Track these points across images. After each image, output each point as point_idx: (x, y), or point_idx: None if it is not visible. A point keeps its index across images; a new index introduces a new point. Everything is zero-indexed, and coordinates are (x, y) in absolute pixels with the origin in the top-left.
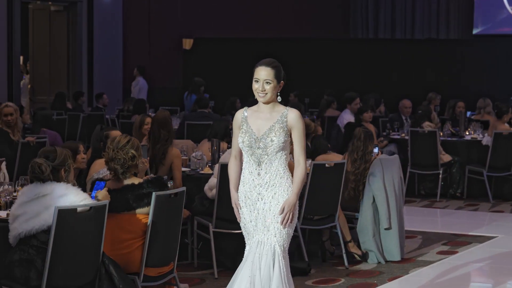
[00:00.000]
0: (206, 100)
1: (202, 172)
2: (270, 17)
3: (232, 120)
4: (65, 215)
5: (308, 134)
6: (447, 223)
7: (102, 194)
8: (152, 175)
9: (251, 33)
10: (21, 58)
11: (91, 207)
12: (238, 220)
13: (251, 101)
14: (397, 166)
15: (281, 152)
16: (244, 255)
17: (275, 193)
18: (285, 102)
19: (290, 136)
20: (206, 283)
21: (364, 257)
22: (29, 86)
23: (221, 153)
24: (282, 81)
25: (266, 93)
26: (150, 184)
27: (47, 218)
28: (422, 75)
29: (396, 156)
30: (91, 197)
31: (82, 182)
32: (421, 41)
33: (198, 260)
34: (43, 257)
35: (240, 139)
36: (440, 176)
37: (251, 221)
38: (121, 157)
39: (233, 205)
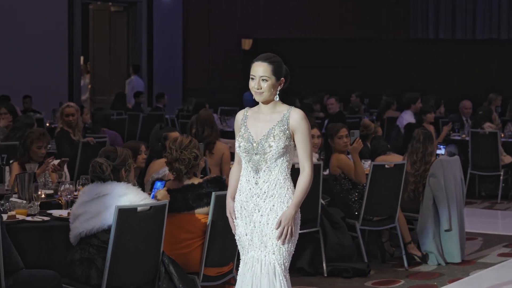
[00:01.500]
0: None
1: None
2: (329, 18)
3: None
4: (125, 214)
5: (368, 135)
6: (508, 225)
7: (162, 194)
8: (211, 175)
9: (310, 33)
10: (82, 58)
11: (151, 207)
12: (233, 232)
13: (308, 103)
14: (458, 168)
15: (282, 158)
16: (239, 272)
17: (273, 205)
18: (345, 103)
19: (294, 140)
20: None
21: (424, 258)
22: (89, 86)
23: None
24: (282, 78)
25: (263, 92)
26: (210, 183)
27: (108, 217)
28: (482, 76)
29: (456, 157)
30: (150, 197)
31: (141, 181)
32: (482, 41)
33: None
34: (104, 256)
35: (237, 143)
36: (501, 177)
37: (246, 235)
38: (185, 157)
39: (228, 215)
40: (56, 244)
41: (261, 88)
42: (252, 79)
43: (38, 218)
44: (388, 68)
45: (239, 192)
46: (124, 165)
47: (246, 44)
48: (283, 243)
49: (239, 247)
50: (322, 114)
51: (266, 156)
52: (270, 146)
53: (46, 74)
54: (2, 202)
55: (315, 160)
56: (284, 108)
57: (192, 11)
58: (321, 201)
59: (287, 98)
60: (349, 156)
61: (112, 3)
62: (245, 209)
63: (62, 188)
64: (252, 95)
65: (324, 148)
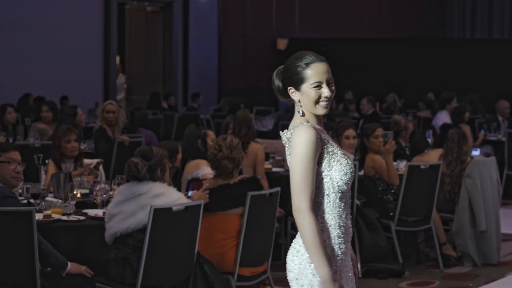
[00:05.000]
0: None
1: None
2: (365, 18)
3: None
4: (161, 214)
5: (399, 131)
6: None
7: (198, 195)
8: (246, 175)
9: (345, 34)
10: (118, 58)
11: (186, 207)
12: None
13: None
14: (494, 168)
15: None
16: None
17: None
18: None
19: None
20: None
21: (460, 259)
22: (124, 85)
23: None
24: None
25: (330, 101)
26: (245, 184)
27: (143, 217)
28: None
29: (492, 157)
30: (187, 196)
31: (177, 181)
32: None
33: None
34: (139, 256)
35: (341, 172)
36: None
37: None
38: (236, 156)
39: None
40: (91, 243)
41: (330, 96)
42: (318, 86)
43: (73, 218)
44: (424, 68)
45: (342, 239)
46: (160, 165)
47: (281, 44)
48: None
49: None
50: (357, 114)
51: None
52: None
53: (82, 74)
54: (38, 201)
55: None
56: None
57: (227, 11)
58: (356, 201)
59: None
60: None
61: (148, 3)
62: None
63: (97, 188)
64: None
65: (360, 148)
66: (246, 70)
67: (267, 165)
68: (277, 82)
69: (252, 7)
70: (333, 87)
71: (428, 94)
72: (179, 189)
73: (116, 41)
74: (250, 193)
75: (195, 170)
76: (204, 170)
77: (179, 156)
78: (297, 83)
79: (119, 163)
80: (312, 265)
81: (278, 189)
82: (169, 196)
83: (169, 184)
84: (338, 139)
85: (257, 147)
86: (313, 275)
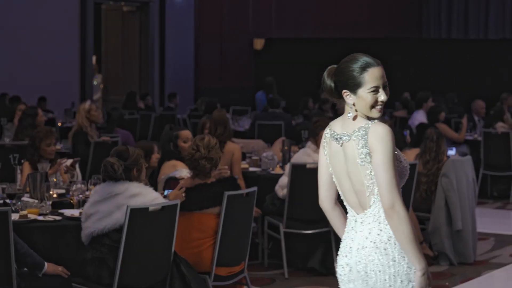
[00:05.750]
0: (278, 100)
1: (273, 172)
2: (341, 17)
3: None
4: (137, 214)
5: None
6: None
7: (174, 194)
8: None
9: (322, 34)
10: (94, 57)
11: (163, 206)
12: None
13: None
14: (470, 168)
15: None
16: None
17: None
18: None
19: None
20: (276, 283)
21: (436, 258)
22: (101, 85)
23: (292, 153)
24: None
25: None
26: (222, 183)
27: (119, 217)
28: (496, 76)
29: (468, 157)
30: (163, 195)
31: (153, 181)
32: (495, 41)
33: (269, 260)
34: (115, 256)
35: (400, 170)
36: None
37: None
38: (214, 156)
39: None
40: (68, 243)
41: (386, 100)
42: (375, 91)
43: (49, 218)
44: (401, 67)
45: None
46: (136, 165)
47: (258, 44)
48: None
49: None
50: (331, 114)
51: None
52: None
53: (58, 74)
54: (14, 201)
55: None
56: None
57: (204, 11)
58: None
59: (298, 98)
60: None
61: (125, 3)
62: None
63: (74, 188)
64: (265, 95)
65: None
66: (222, 70)
67: (244, 164)
68: (329, 83)
69: (228, 7)
70: (387, 90)
71: (404, 94)
72: (155, 189)
73: (92, 41)
74: (227, 193)
75: (171, 172)
76: (181, 172)
77: (155, 156)
78: (353, 87)
79: (95, 163)
80: (406, 259)
81: (255, 188)
82: (145, 196)
83: (146, 184)
84: (315, 138)
85: (234, 147)
86: (409, 267)
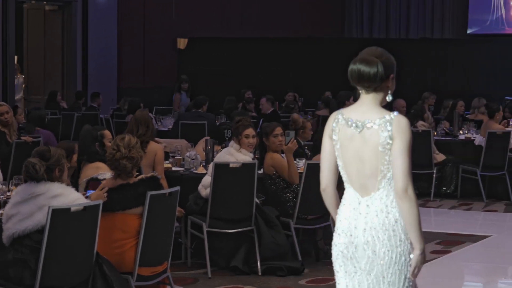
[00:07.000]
0: (202, 100)
1: (196, 171)
2: (264, 17)
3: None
4: (59, 215)
5: (297, 130)
6: (440, 222)
7: (95, 194)
8: (146, 175)
9: (245, 33)
10: (16, 57)
11: (85, 207)
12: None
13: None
14: None
15: None
16: None
17: None
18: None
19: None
20: (199, 282)
21: None
22: (23, 85)
23: (215, 153)
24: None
25: None
26: (145, 183)
27: (41, 218)
28: (416, 75)
29: None
30: (85, 196)
31: (75, 182)
32: (416, 41)
33: (192, 260)
34: (37, 257)
35: None
36: (434, 175)
37: None
38: (134, 155)
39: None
40: None
41: None
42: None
43: None
44: (323, 67)
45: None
46: (58, 165)
47: (181, 43)
48: None
49: None
50: (254, 114)
51: None
52: None
53: None
54: None
55: (249, 159)
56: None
57: (127, 11)
58: (256, 200)
59: (221, 98)
60: (283, 155)
61: (47, 2)
62: None
63: None
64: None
65: (259, 147)
66: (146, 69)
67: (167, 164)
68: (380, 68)
69: (151, 7)
70: None
71: (325, 93)
72: (77, 190)
73: (14, 41)
74: (150, 193)
75: (94, 174)
76: (105, 175)
77: (76, 156)
78: (394, 72)
79: (16, 164)
80: (409, 239)
81: (177, 188)
82: (67, 196)
83: (68, 185)
84: (237, 138)
85: (156, 146)
86: (410, 244)
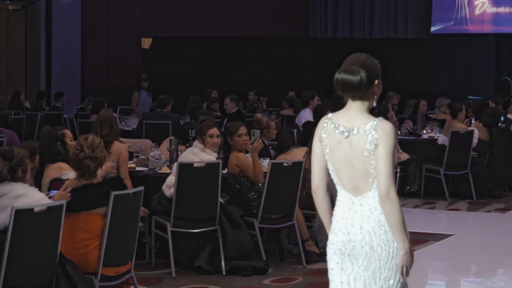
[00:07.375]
0: (166, 99)
1: (160, 171)
2: (229, 16)
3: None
4: (22, 215)
5: (261, 129)
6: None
7: (59, 195)
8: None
9: (209, 32)
10: None
11: (48, 207)
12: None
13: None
14: None
15: None
16: None
17: None
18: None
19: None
20: (164, 282)
21: (322, 255)
22: None
23: (179, 153)
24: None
25: None
26: (108, 183)
27: (4, 218)
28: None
29: None
30: (49, 196)
31: (39, 182)
32: (380, 40)
33: (156, 260)
34: (0, 258)
35: None
36: (398, 174)
37: None
38: (98, 155)
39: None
40: None
41: None
42: None
43: None
44: (288, 66)
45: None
46: (21, 165)
47: (146, 43)
48: None
49: None
50: (219, 114)
51: None
52: None
53: None
54: None
55: (214, 158)
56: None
57: (91, 10)
58: (220, 199)
59: (185, 97)
60: (248, 155)
61: (10, 1)
62: None
63: None
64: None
65: (223, 147)
66: (110, 69)
67: (131, 164)
68: (364, 75)
69: (115, 6)
70: None
71: (289, 93)
72: (40, 190)
73: None
74: (113, 193)
75: (56, 175)
76: (68, 175)
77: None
78: (379, 77)
79: None
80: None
81: (141, 188)
82: (30, 196)
83: (31, 185)
84: (202, 138)
85: (121, 146)
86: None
